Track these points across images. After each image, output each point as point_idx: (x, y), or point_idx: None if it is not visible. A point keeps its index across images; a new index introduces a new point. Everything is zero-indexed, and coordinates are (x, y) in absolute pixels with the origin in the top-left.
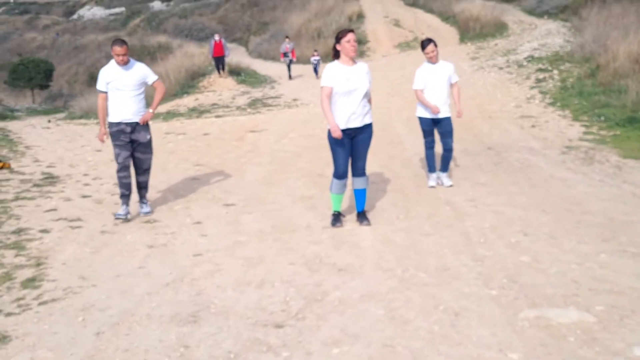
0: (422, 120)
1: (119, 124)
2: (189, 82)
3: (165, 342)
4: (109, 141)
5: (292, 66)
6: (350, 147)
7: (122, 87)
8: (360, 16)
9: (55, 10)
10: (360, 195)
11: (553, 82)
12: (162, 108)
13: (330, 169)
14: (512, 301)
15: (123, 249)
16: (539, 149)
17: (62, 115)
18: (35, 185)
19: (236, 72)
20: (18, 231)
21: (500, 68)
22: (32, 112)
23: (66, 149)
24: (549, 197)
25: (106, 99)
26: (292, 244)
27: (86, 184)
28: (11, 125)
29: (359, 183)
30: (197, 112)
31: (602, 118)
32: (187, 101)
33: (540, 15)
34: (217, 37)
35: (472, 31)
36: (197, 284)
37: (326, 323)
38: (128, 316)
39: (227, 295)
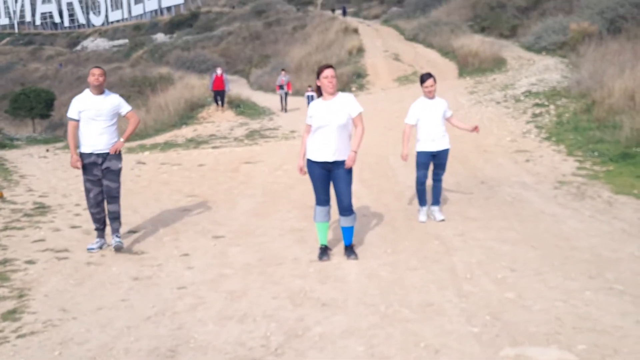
0: (421, 154)
1: (90, 155)
2: (188, 113)
3: None
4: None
5: (289, 98)
6: (328, 179)
7: (95, 116)
8: (360, 50)
9: (60, 41)
10: (347, 232)
11: (549, 117)
12: (160, 139)
13: None
14: (493, 339)
15: (107, 281)
16: (531, 184)
17: (61, 144)
18: (26, 215)
19: (236, 104)
20: (4, 262)
21: (498, 102)
22: (32, 141)
23: (60, 179)
24: (538, 233)
25: (77, 127)
26: (277, 277)
27: (77, 214)
28: (9, 154)
29: (346, 222)
30: (195, 142)
31: (596, 153)
32: (185, 132)
33: (538, 51)
34: (218, 71)
35: (471, 66)
36: (179, 318)
37: (305, 359)
38: (106, 350)
39: (208, 330)
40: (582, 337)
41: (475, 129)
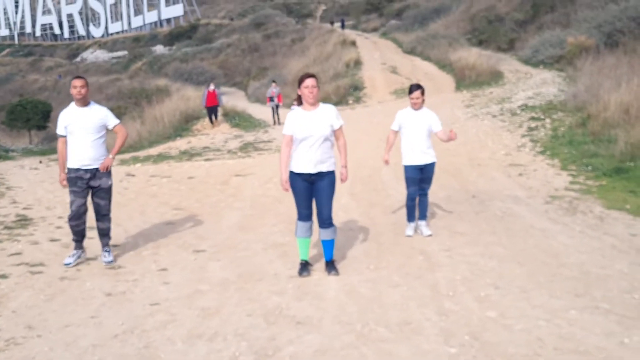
0: (408, 168)
1: (77, 170)
2: (183, 125)
3: None
4: None
5: (282, 111)
6: (311, 192)
7: (82, 130)
8: (358, 63)
9: (60, 52)
10: (327, 246)
11: (545, 130)
12: (154, 151)
13: None
14: None
15: (79, 296)
16: (523, 198)
17: (56, 155)
18: (6, 227)
19: (231, 116)
20: None
21: (494, 116)
22: (28, 152)
23: (47, 191)
24: (526, 248)
25: (65, 143)
26: (254, 294)
27: (58, 227)
28: (1, 166)
29: (325, 234)
30: (188, 155)
31: (590, 168)
32: (179, 144)
33: (536, 64)
34: (211, 87)
35: (468, 79)
36: (147, 336)
37: None
38: None
39: (176, 349)
40: (562, 359)
41: (451, 132)
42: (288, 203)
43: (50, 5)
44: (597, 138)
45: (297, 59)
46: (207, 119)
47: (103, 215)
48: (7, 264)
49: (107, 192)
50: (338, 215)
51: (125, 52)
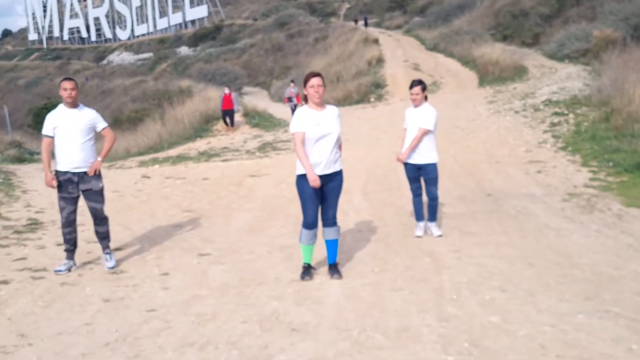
0: (406, 166)
1: (65, 173)
2: (203, 125)
3: None
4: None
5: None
6: (319, 195)
7: (70, 132)
8: (380, 60)
9: (87, 55)
10: (331, 247)
11: (567, 126)
12: (174, 152)
13: None
14: None
15: (77, 302)
16: (540, 196)
17: None
18: (16, 231)
19: (251, 116)
20: None
21: (516, 112)
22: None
23: None
24: (538, 249)
25: (51, 144)
26: (253, 299)
27: None
28: (23, 169)
29: (330, 233)
30: (207, 155)
31: (611, 164)
32: (199, 144)
33: (561, 59)
34: (226, 90)
35: (491, 75)
36: (139, 344)
37: None
38: None
39: (166, 357)
40: None
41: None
42: (299, 203)
43: (77, 9)
44: (620, 133)
45: (320, 57)
46: (221, 124)
47: (101, 219)
48: (11, 269)
49: (100, 194)
50: (349, 215)
51: (150, 54)
